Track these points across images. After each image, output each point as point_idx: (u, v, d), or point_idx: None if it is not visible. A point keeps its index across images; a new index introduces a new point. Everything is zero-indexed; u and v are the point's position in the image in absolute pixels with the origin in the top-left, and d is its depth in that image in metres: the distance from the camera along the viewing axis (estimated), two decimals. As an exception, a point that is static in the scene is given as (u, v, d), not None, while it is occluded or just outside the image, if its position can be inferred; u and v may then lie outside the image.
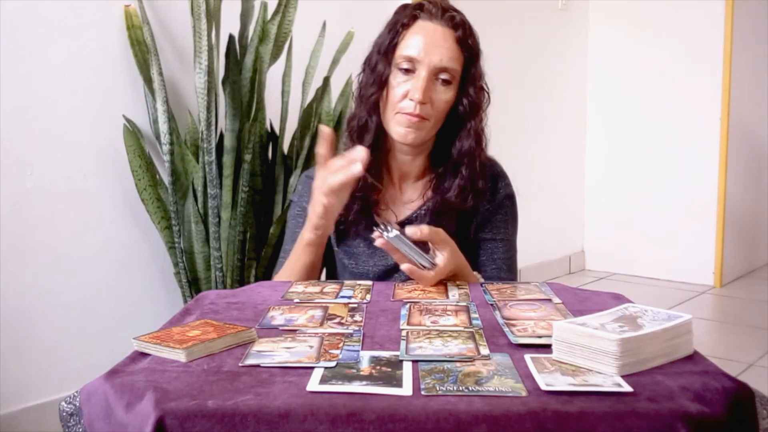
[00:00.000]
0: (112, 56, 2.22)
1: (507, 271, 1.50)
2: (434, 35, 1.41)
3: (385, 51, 1.43)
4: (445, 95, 1.42)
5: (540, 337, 0.97)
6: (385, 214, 1.49)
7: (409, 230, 1.26)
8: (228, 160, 2.16)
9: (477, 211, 1.49)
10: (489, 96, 1.49)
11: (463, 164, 1.45)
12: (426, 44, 1.40)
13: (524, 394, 0.80)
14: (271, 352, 0.93)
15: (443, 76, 1.41)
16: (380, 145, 1.47)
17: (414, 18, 1.43)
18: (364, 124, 1.45)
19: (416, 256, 1.26)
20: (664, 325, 0.90)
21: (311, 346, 0.94)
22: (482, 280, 1.42)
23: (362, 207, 1.46)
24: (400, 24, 1.43)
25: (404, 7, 1.47)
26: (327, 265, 1.57)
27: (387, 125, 1.44)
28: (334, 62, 2.36)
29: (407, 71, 1.41)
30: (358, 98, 1.48)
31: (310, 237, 1.38)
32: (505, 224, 1.52)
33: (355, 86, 1.52)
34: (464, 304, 1.15)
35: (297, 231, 1.46)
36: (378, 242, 1.26)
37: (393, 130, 1.43)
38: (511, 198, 1.54)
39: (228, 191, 2.16)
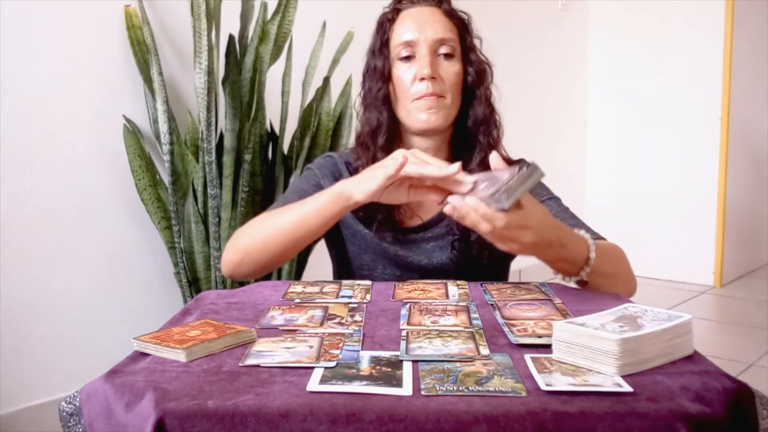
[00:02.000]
0: (112, 56, 2.22)
1: (573, 218, 1.44)
2: (422, 15, 1.43)
3: (380, 48, 1.44)
4: (452, 68, 1.42)
5: (540, 337, 0.97)
6: (409, 221, 1.45)
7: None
8: (228, 160, 2.16)
9: None
10: (489, 65, 1.49)
11: (479, 132, 1.45)
12: (417, 25, 1.41)
13: (524, 394, 0.80)
14: (271, 352, 0.93)
15: (444, 50, 1.41)
16: (396, 148, 1.35)
17: (397, 11, 1.45)
18: (377, 126, 1.43)
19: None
20: (664, 325, 0.90)
21: (311, 346, 0.94)
22: (590, 242, 1.26)
23: (386, 216, 1.41)
24: (386, 20, 1.45)
25: (386, 8, 1.49)
26: (338, 263, 1.54)
27: (406, 119, 1.42)
28: (334, 62, 2.36)
29: (408, 58, 1.41)
30: (365, 106, 1.46)
31: (357, 197, 1.24)
32: (543, 187, 1.50)
33: (357, 103, 1.50)
34: (464, 304, 1.15)
35: (304, 188, 1.43)
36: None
37: (414, 119, 1.40)
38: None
39: (228, 191, 2.16)
